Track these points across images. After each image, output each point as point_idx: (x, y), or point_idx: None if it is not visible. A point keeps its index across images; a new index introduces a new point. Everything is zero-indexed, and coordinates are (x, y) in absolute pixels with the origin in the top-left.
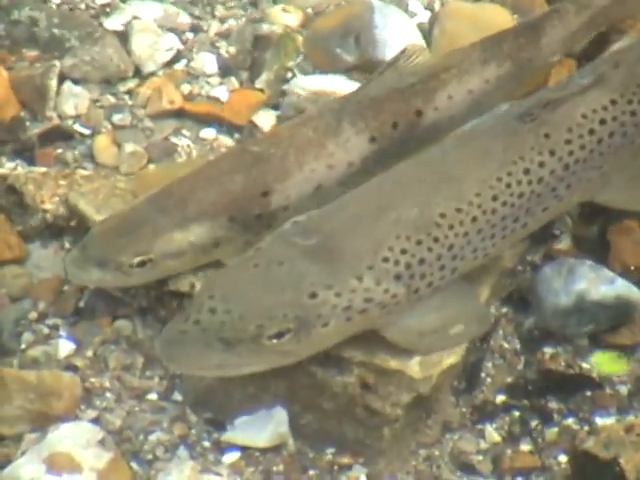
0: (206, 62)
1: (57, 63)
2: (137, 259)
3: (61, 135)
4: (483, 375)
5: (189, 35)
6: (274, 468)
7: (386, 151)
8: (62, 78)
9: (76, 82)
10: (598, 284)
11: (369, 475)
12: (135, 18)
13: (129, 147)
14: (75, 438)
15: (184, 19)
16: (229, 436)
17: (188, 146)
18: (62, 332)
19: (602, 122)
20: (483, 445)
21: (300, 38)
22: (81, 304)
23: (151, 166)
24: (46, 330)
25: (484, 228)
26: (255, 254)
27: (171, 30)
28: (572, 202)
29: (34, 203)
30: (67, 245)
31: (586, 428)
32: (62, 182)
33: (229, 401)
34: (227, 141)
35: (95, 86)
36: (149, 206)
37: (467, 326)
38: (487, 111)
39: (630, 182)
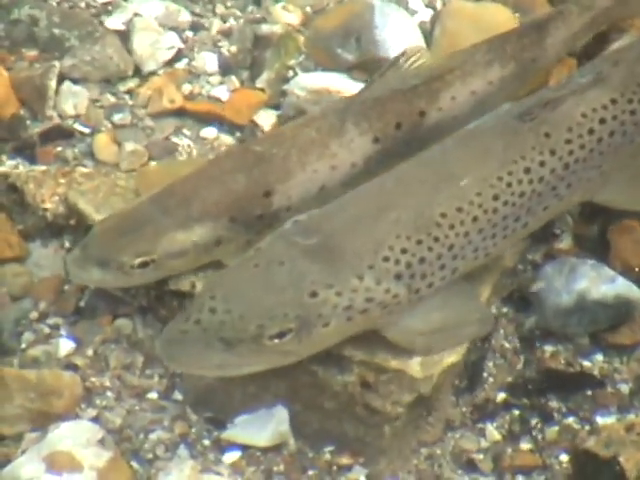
0: (207, 61)
1: (56, 63)
2: (139, 259)
3: (61, 134)
4: (484, 374)
5: (189, 34)
6: (275, 468)
7: (389, 152)
8: (62, 78)
9: (76, 82)
10: (599, 283)
11: (370, 474)
12: (136, 15)
13: (129, 146)
14: (75, 437)
15: (185, 17)
16: (230, 435)
17: (189, 145)
18: (62, 331)
19: (602, 121)
20: (484, 444)
21: (301, 37)
22: (81, 303)
23: (152, 163)
24: (46, 329)
25: (485, 228)
26: (256, 254)
27: (172, 29)
28: (572, 202)
29: (34, 202)
30: (67, 244)
31: (587, 427)
32: (62, 180)
33: (230, 400)
34: (228, 140)
35: (95, 86)
36: (151, 206)
37: (468, 327)
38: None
39: (630, 181)
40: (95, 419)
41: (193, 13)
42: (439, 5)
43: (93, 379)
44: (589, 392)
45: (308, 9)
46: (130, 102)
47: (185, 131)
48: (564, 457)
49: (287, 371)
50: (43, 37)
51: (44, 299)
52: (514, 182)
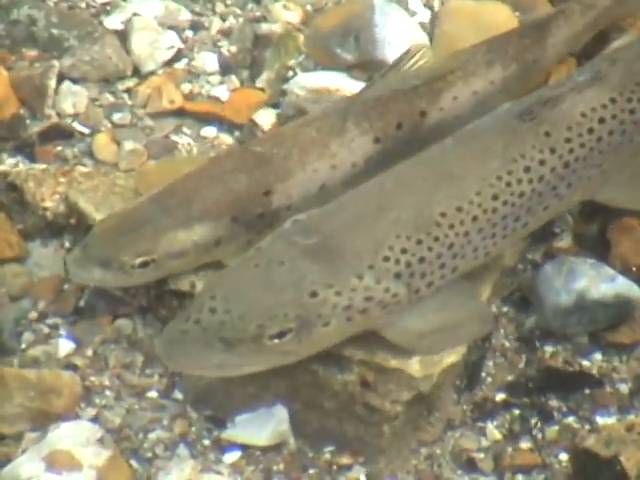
0: (207, 61)
1: (56, 63)
2: (140, 259)
3: (61, 133)
4: (484, 373)
5: (189, 33)
6: (275, 467)
7: (390, 152)
8: (61, 77)
9: (75, 81)
10: (599, 282)
11: (369, 474)
12: (135, 15)
13: (129, 145)
14: (75, 436)
15: (185, 16)
16: (230, 434)
17: (189, 144)
18: (62, 331)
19: (601, 120)
20: (484, 443)
21: (301, 37)
22: (81, 303)
23: (151, 162)
24: (46, 329)
25: (485, 227)
26: (256, 254)
27: (172, 28)
28: (572, 201)
29: (34, 200)
30: (67, 244)
31: (587, 426)
32: (62, 179)
33: (229, 399)
34: (228, 139)
35: (94, 85)
36: (152, 205)
37: (469, 327)
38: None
39: (630, 181)
40: (95, 418)
41: (193, 12)
42: (438, 5)
43: (93, 378)
44: (588, 391)
45: (308, 7)
46: (129, 102)
47: (185, 130)
48: (564, 456)
49: (287, 371)
50: (42, 37)
51: (44, 299)
52: (514, 181)
